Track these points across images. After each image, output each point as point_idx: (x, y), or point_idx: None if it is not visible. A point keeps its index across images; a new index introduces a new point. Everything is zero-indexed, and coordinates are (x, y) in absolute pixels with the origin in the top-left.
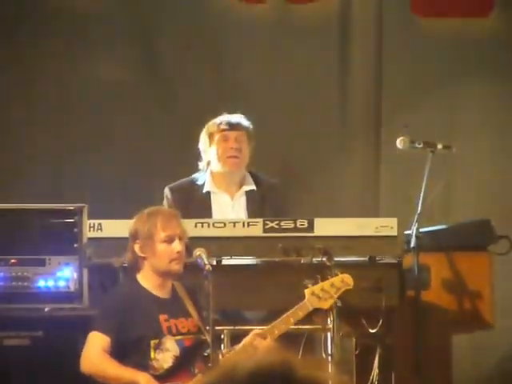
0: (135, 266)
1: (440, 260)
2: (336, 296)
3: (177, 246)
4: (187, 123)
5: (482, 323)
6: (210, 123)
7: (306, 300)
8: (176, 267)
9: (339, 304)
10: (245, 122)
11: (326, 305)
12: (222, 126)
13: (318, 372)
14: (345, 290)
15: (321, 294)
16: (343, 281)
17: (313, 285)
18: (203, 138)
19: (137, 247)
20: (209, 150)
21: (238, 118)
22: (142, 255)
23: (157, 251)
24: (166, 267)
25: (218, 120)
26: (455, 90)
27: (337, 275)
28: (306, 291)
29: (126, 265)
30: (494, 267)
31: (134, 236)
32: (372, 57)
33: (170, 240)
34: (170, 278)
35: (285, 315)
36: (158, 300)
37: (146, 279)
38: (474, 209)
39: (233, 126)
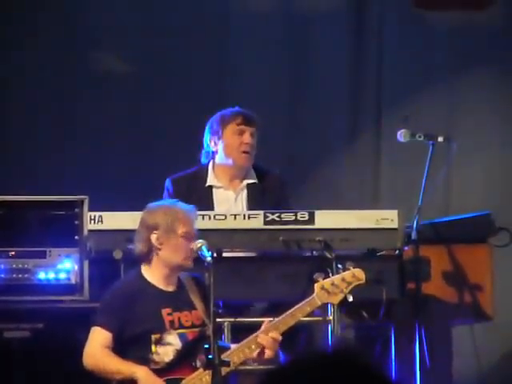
0: (146, 257)
1: (440, 252)
2: (347, 291)
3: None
4: (188, 114)
5: (481, 315)
6: (225, 113)
7: (314, 295)
8: (189, 263)
9: (350, 299)
10: (258, 119)
11: (335, 300)
12: (239, 120)
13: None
14: (356, 285)
15: (330, 288)
16: (354, 275)
17: (323, 279)
18: (214, 126)
19: (154, 238)
20: (218, 141)
21: (252, 113)
22: (159, 246)
23: (176, 245)
24: (179, 262)
25: (234, 111)
26: (456, 82)
27: (348, 270)
28: (316, 285)
29: (135, 254)
30: (494, 259)
31: (153, 227)
32: (373, 48)
33: (189, 237)
34: (178, 272)
35: (292, 309)
36: (162, 293)
37: (152, 272)
38: (475, 201)
39: (250, 122)
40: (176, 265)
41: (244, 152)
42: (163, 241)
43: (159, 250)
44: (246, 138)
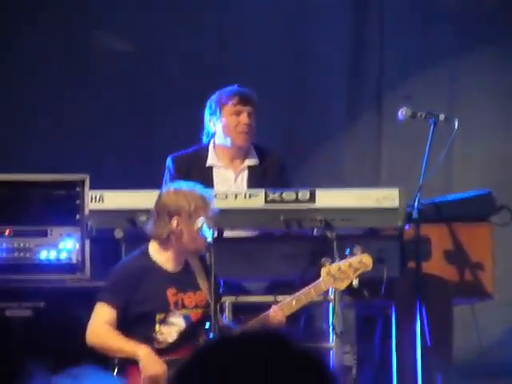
0: (162, 239)
1: (441, 231)
2: (354, 277)
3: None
4: (187, 96)
5: (482, 294)
6: (222, 93)
7: (320, 279)
8: (202, 249)
9: (356, 286)
10: (256, 97)
11: (341, 286)
12: (236, 100)
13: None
14: (363, 271)
15: (337, 274)
16: (362, 261)
17: (330, 264)
18: (212, 107)
19: (174, 223)
20: (217, 122)
21: (250, 92)
22: (179, 232)
23: (196, 231)
24: (196, 248)
25: (231, 91)
26: (457, 63)
27: (355, 255)
28: (322, 270)
29: (148, 233)
30: (495, 238)
31: (174, 212)
32: (374, 28)
33: None
34: (189, 256)
35: (297, 294)
36: (168, 274)
37: (162, 253)
38: (476, 180)
39: (247, 101)
40: (191, 250)
41: (241, 132)
42: (184, 226)
43: (179, 235)
44: (244, 118)
